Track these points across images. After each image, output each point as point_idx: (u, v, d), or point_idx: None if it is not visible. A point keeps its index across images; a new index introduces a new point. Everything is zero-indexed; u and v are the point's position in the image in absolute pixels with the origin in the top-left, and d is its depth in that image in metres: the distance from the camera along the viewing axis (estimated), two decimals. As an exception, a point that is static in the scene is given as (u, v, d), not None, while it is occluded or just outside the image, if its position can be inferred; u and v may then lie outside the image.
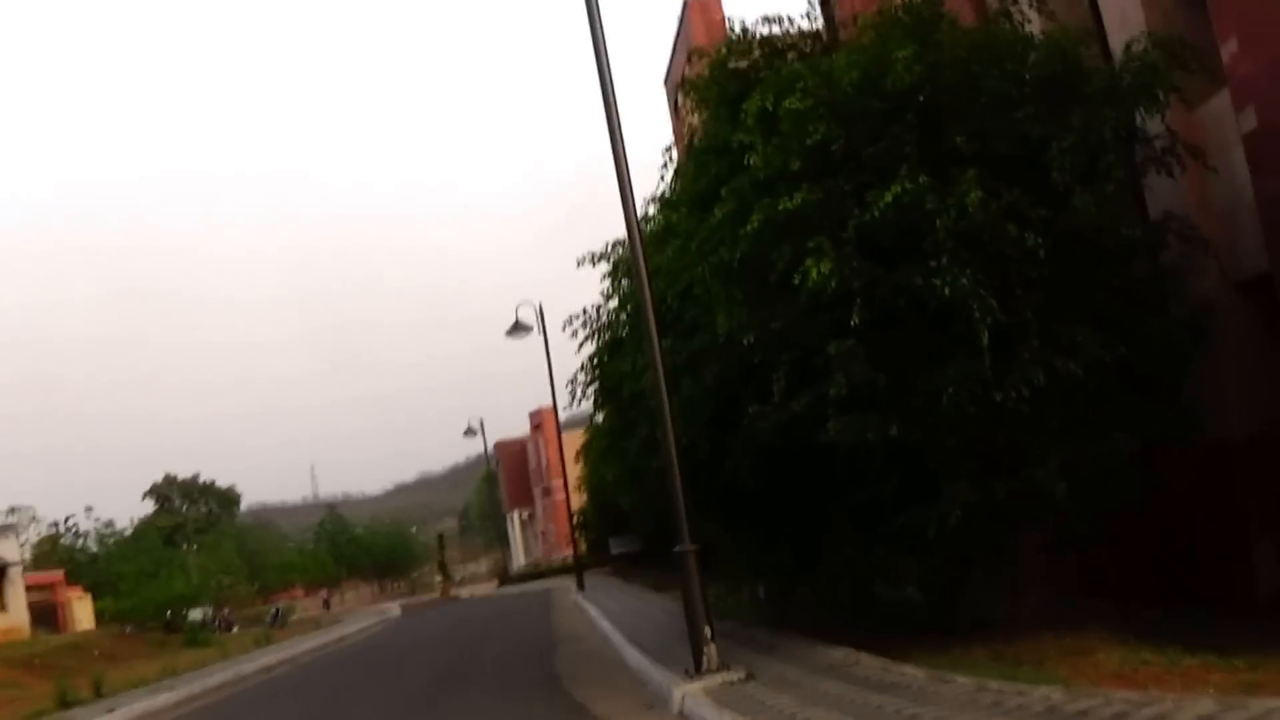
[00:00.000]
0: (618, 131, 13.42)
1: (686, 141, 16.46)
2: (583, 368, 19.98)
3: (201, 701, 24.47)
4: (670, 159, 16.86)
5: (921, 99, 11.36)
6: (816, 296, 10.88)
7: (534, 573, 77.84)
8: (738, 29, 14.58)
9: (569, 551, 69.60)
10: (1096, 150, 11.20)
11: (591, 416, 26.81)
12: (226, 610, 64.95)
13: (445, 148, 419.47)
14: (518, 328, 40.59)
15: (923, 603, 14.65)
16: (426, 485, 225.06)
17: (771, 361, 11.82)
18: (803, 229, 11.13)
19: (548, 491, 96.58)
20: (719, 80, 14.38)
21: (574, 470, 48.66)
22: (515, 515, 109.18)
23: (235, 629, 58.12)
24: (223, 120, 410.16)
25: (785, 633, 14.96)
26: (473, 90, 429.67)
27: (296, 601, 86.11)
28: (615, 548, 48.37)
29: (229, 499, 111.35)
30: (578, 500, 49.99)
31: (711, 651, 12.11)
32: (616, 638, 19.78)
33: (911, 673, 10.04)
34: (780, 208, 11.16)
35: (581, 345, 19.61)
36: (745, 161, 12.01)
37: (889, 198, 10.66)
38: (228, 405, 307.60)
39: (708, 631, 12.17)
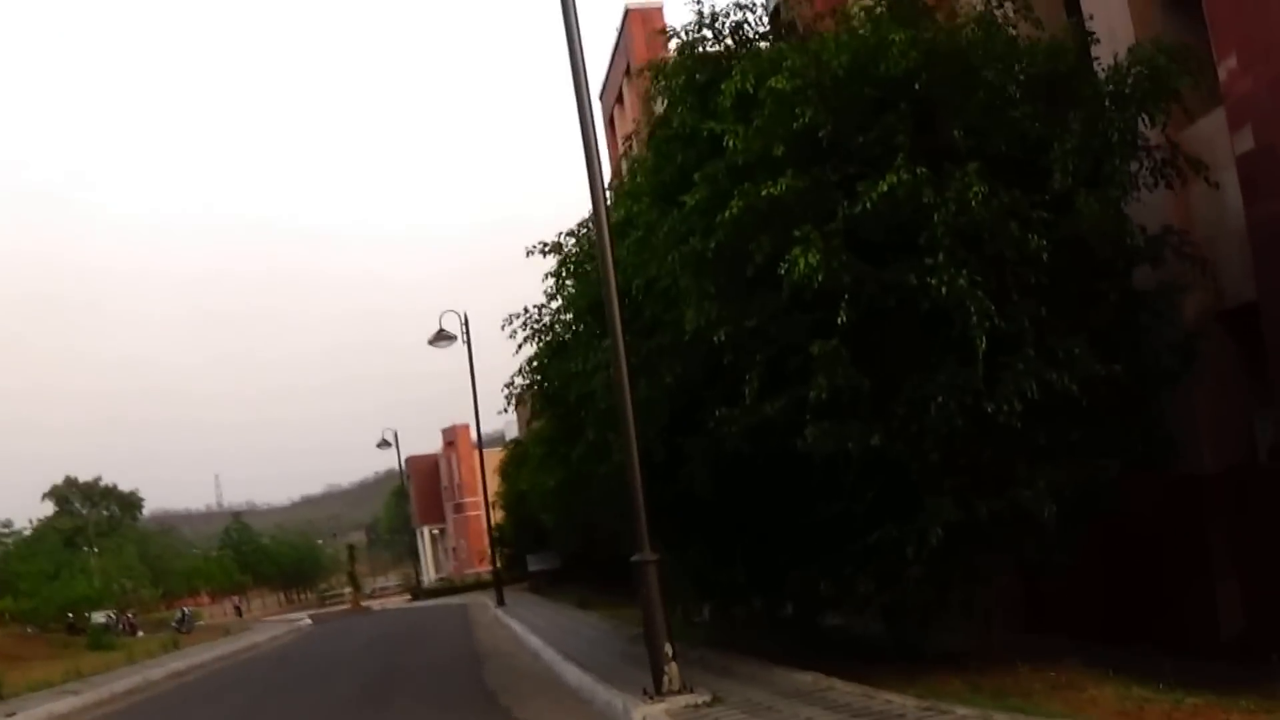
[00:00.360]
0: (587, 110, 12.57)
1: (648, 132, 15.63)
2: (521, 371, 19.25)
3: (110, 707, 23.23)
4: (631, 147, 16.17)
5: (917, 88, 10.72)
6: (798, 292, 10.23)
7: (447, 588, 77.02)
8: (705, 12, 13.81)
9: (481, 567, 68.79)
10: (1100, 154, 10.70)
11: (527, 427, 26.02)
12: (131, 614, 63.01)
13: (375, 176, 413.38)
14: (441, 336, 39.44)
15: (878, 629, 14.00)
16: (333, 498, 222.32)
17: (743, 361, 11.12)
18: (785, 219, 10.45)
19: (460, 508, 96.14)
20: (687, 65, 13.61)
21: (491, 487, 48.00)
22: (425, 531, 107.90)
23: (140, 633, 56.42)
24: (140, 130, 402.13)
25: (736, 655, 14.19)
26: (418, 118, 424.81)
27: (203, 608, 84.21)
28: (533, 564, 47.86)
29: (131, 503, 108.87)
30: (493, 517, 49.16)
31: (673, 671, 11.26)
32: (549, 654, 19.00)
33: (899, 701, 9.27)
34: (763, 194, 10.44)
35: (520, 347, 18.90)
36: (725, 144, 11.33)
37: (883, 188, 10.01)
38: (130, 414, 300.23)
39: (668, 650, 11.34)
